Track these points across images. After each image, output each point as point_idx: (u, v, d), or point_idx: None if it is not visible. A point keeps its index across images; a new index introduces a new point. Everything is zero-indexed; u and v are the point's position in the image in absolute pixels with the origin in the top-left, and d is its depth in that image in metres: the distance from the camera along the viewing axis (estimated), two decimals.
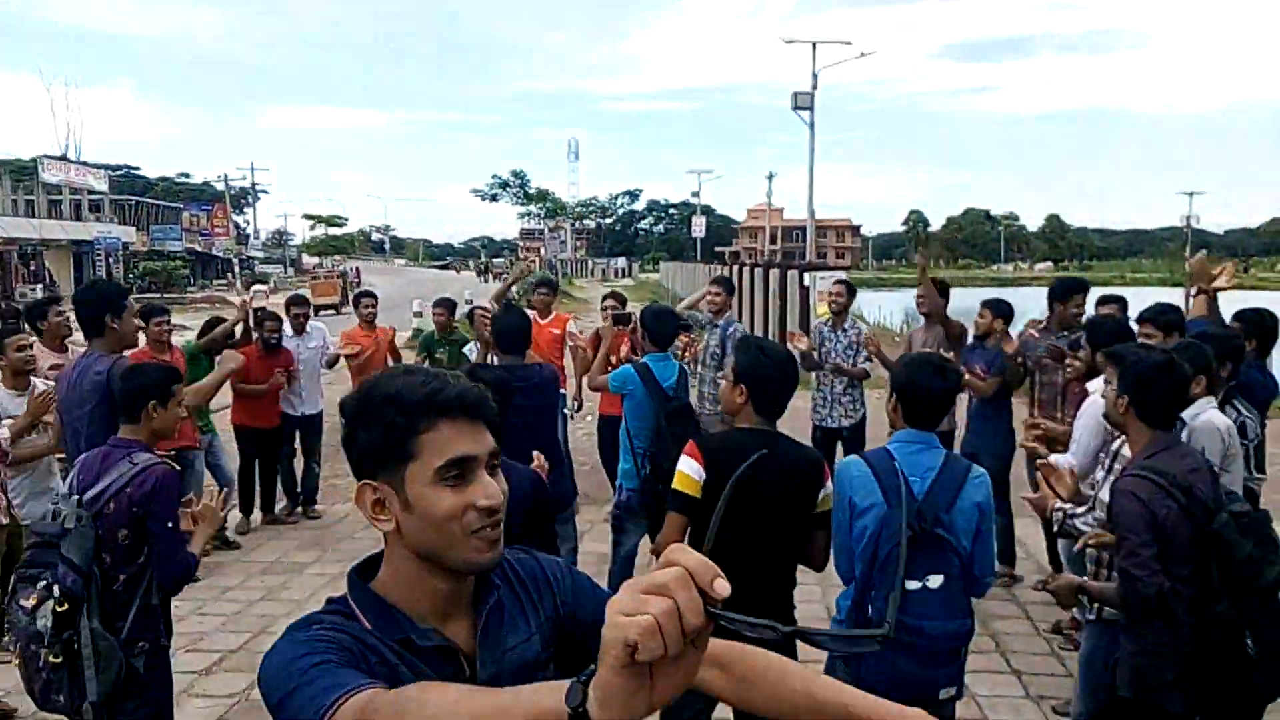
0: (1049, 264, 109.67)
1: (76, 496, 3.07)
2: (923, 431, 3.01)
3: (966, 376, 5.95)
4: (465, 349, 7.93)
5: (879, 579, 2.87)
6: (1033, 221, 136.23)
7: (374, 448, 1.32)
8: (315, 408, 8.01)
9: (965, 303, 7.14)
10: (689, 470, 2.96)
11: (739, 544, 2.88)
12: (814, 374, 7.22)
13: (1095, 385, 4.35)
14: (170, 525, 3.12)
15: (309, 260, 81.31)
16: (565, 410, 7.93)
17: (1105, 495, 3.29)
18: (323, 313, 28.94)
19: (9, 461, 4.61)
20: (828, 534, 3.06)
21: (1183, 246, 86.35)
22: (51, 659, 2.92)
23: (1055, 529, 3.52)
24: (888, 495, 2.88)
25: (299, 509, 8.03)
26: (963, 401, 6.54)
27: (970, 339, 6.42)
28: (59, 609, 2.91)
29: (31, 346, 5.18)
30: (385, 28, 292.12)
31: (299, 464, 8.08)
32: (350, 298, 9.16)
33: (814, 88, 29.67)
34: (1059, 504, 3.40)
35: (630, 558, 5.37)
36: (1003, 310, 6.24)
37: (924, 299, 6.63)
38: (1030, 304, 6.32)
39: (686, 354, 6.93)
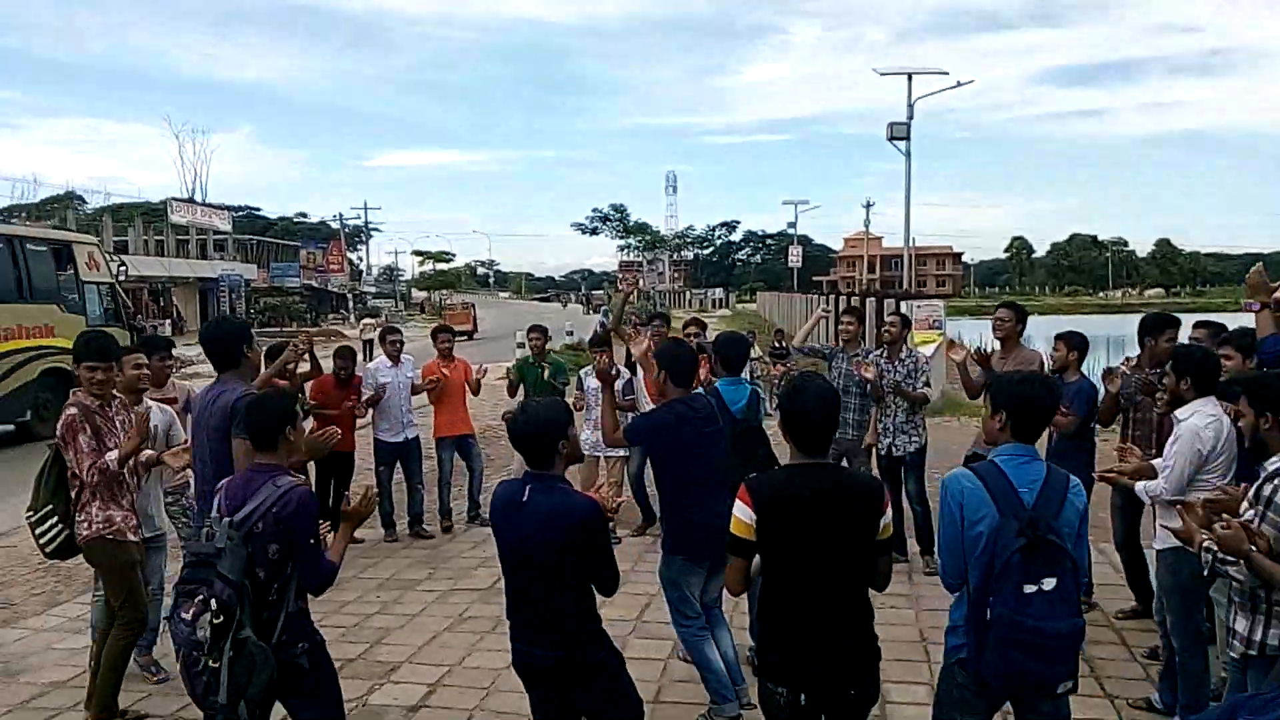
0: (1160, 290, 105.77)
1: (228, 519, 3.39)
2: (1026, 445, 3.16)
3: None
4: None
5: (998, 584, 2.99)
6: (1142, 247, 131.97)
7: None
8: (414, 432, 8.47)
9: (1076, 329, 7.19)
10: (741, 515, 3.11)
11: (806, 578, 3.07)
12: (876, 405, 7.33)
13: (1184, 413, 4.36)
14: (312, 540, 3.47)
15: (418, 294, 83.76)
16: None
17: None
18: (459, 338, 32.20)
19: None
20: (889, 559, 3.21)
21: None
22: (211, 664, 3.25)
23: (1205, 571, 3.49)
24: (1000, 505, 3.02)
25: (394, 531, 8.40)
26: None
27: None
28: (215, 621, 3.24)
29: (146, 366, 5.42)
30: (487, 70, 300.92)
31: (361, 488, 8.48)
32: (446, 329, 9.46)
33: (910, 118, 29.34)
34: (1209, 543, 3.36)
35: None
36: (1076, 343, 6.26)
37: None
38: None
39: (780, 385, 7.14)
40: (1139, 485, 4.62)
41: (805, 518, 3.04)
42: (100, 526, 4.62)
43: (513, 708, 4.88)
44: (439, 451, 8.66)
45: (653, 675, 5.17)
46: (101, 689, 4.65)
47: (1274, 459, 3.45)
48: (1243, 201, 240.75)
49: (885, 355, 7.38)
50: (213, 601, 3.26)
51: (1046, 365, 7.36)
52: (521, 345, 22.90)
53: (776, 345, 20.53)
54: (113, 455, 4.61)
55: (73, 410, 4.57)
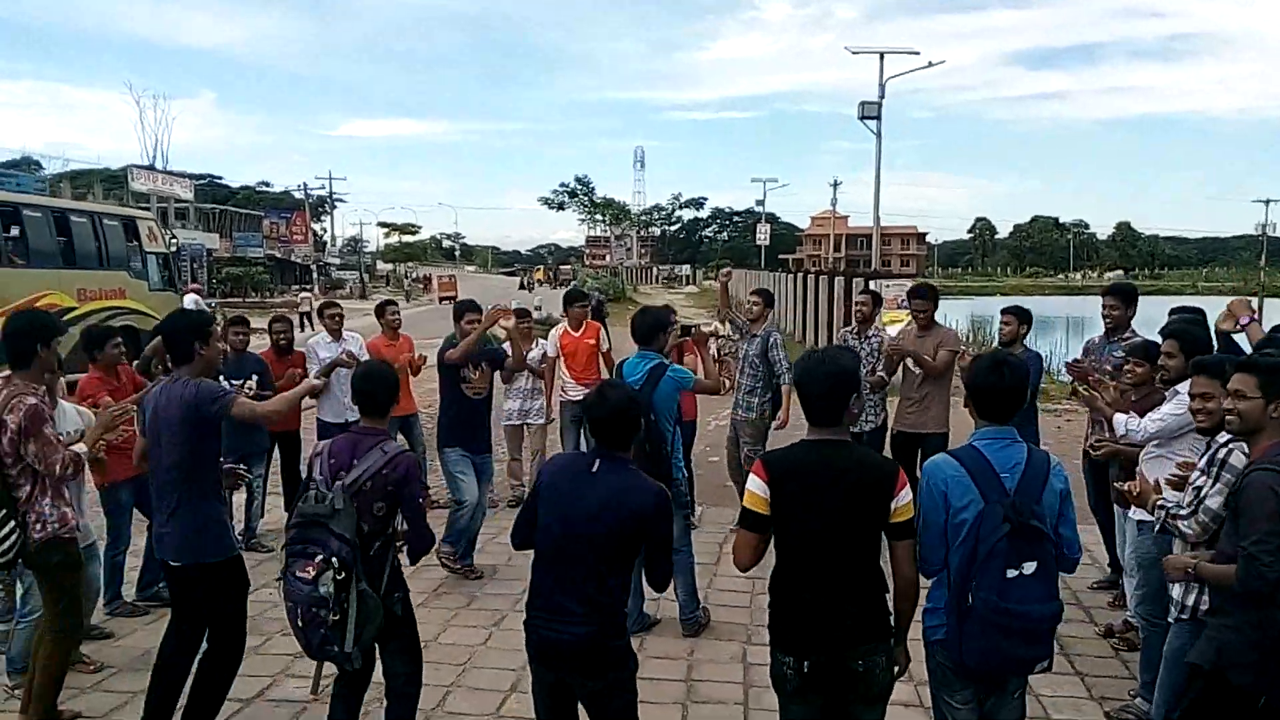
0: (1119, 272, 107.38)
1: (340, 482, 3.63)
2: (1002, 427, 3.19)
3: None
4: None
5: (982, 571, 3.02)
6: (1102, 229, 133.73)
7: None
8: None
9: (1036, 310, 7.33)
10: (755, 489, 3.11)
11: (813, 550, 3.06)
12: None
13: (1185, 386, 4.47)
14: (420, 503, 3.83)
15: (383, 267, 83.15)
16: None
17: (1213, 503, 3.47)
18: (444, 301, 40.10)
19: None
20: (913, 544, 3.12)
21: (1258, 255, 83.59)
22: (333, 618, 3.51)
23: (1157, 526, 3.71)
24: (984, 491, 3.05)
25: None
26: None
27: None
28: (338, 577, 3.49)
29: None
30: (457, 40, 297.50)
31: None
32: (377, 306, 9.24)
33: (881, 97, 29.43)
34: (1163, 500, 3.54)
35: None
36: (1025, 317, 6.55)
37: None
38: (1099, 312, 6.41)
39: (723, 368, 7.24)
40: (1119, 417, 4.76)
41: (814, 490, 3.03)
42: (55, 525, 4.26)
43: (490, 684, 4.90)
44: None
45: (503, 685, 4.97)
46: (42, 696, 4.32)
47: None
48: (1200, 186, 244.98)
49: (855, 333, 7.51)
50: (333, 559, 3.49)
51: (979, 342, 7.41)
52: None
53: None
54: (80, 447, 4.34)
55: (32, 400, 4.18)
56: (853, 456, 3.13)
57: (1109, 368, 5.94)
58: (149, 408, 4.20)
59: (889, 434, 7.25)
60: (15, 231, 15.12)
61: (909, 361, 6.97)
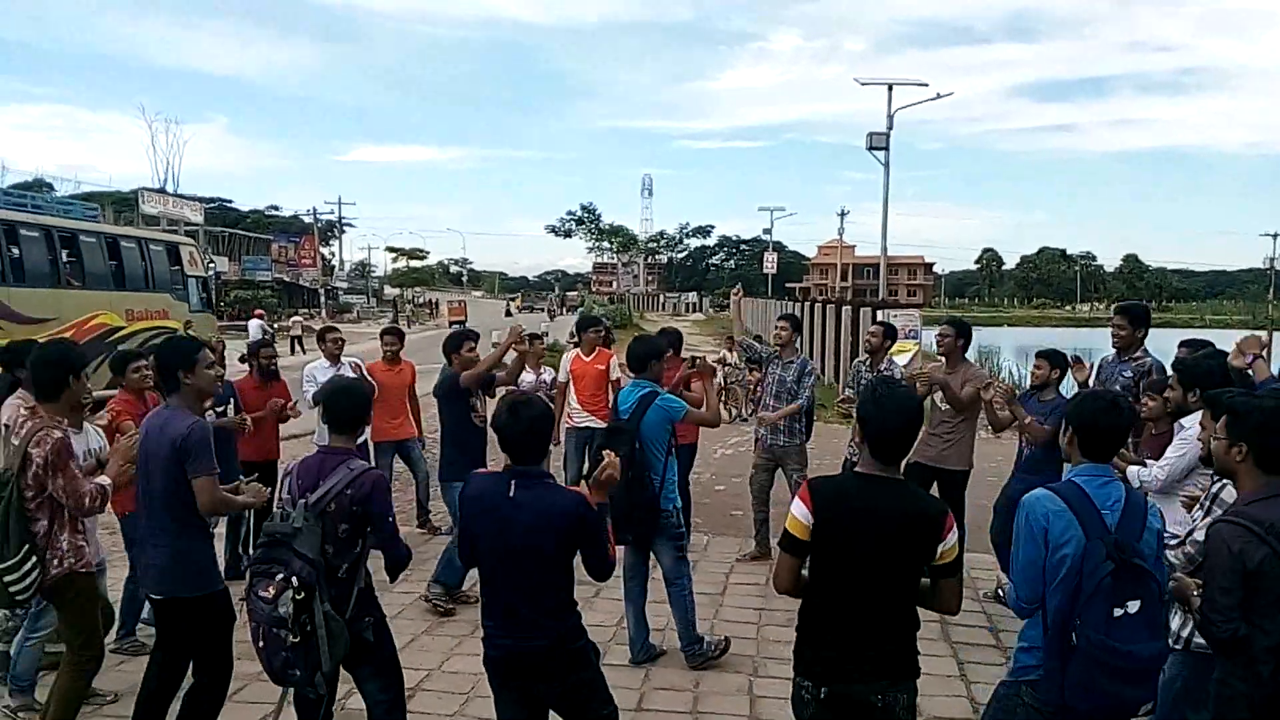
0: None
1: (303, 500, 3.57)
2: (1100, 464, 3.13)
3: (1028, 420, 6.14)
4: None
5: (1086, 608, 2.96)
6: (1110, 262, 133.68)
7: None
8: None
9: (1042, 342, 7.26)
10: (798, 514, 3.07)
11: (849, 585, 3.02)
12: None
13: (1189, 421, 4.55)
14: (390, 519, 3.71)
15: (391, 291, 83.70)
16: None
17: (1201, 535, 3.46)
18: (453, 325, 38.59)
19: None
20: (958, 582, 3.11)
21: (1265, 289, 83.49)
22: (292, 640, 3.40)
23: None
24: (1086, 528, 3.00)
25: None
26: (993, 442, 6.71)
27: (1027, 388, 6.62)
28: (297, 597, 3.38)
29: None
30: (465, 67, 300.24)
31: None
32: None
33: (889, 128, 29.40)
34: None
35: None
36: (1058, 361, 6.45)
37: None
38: (1106, 344, 6.42)
39: (756, 391, 7.17)
40: (1131, 470, 4.79)
41: (857, 527, 2.99)
42: (72, 561, 4.16)
43: (493, 713, 4.84)
44: (377, 457, 8.09)
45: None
46: None
47: None
48: (1208, 219, 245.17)
49: (868, 365, 7.50)
50: (294, 579, 3.40)
51: (1016, 381, 7.44)
52: (496, 345, 23.39)
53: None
54: (104, 479, 4.21)
55: (58, 434, 4.08)
56: (905, 497, 3.08)
57: (1118, 387, 5.96)
58: (141, 434, 4.11)
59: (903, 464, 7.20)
60: (73, 256, 15.85)
61: (935, 397, 6.93)
